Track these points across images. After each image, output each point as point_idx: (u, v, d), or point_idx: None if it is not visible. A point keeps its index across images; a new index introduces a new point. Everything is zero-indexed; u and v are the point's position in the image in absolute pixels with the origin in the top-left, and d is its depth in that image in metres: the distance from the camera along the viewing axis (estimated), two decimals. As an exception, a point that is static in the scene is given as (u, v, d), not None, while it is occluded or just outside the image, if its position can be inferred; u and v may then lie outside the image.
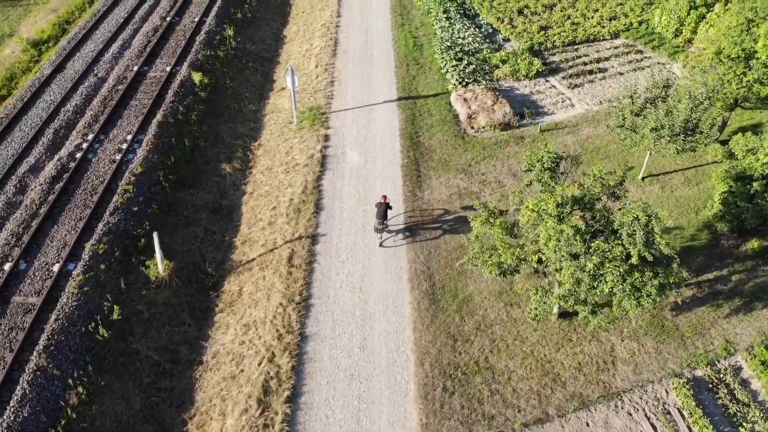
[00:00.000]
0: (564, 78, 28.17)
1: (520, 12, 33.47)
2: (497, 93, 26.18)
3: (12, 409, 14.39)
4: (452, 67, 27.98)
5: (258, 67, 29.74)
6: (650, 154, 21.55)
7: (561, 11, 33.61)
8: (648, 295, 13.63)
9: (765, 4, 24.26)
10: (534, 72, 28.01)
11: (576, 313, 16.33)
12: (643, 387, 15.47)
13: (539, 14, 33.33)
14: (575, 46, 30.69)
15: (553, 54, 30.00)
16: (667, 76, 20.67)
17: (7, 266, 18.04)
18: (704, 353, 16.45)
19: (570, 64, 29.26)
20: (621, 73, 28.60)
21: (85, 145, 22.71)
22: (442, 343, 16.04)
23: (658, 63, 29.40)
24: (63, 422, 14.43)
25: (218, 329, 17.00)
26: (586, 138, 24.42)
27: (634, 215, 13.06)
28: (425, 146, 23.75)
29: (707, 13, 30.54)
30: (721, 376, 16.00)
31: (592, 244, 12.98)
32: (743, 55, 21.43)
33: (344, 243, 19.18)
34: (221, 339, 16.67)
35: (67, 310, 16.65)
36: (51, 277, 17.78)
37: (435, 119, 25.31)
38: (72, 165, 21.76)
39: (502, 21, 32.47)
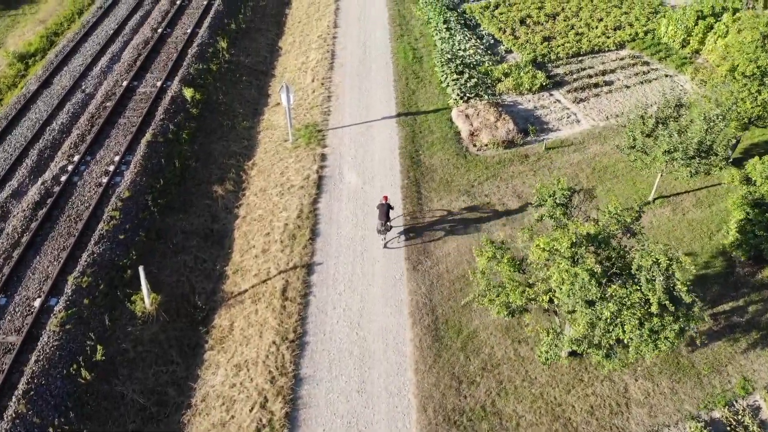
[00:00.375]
0: (569, 92, 27.24)
1: (522, 22, 32.55)
2: (500, 109, 25.24)
3: (-14, 464, 13.43)
4: (453, 80, 27.03)
5: (252, 81, 28.77)
6: (661, 174, 20.63)
7: (564, 21, 32.69)
8: (666, 338, 12.69)
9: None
10: (538, 86, 27.07)
11: (587, 352, 15.40)
12: (659, 432, 14.55)
13: (542, 24, 32.41)
14: (580, 58, 29.77)
15: (557, 66, 29.07)
16: (680, 95, 19.68)
17: (-16, 301, 17.09)
18: (721, 393, 15.54)
19: (575, 76, 28.34)
20: (627, 87, 27.69)
21: (70, 168, 21.72)
22: (446, 386, 15.08)
23: (666, 75, 28.50)
24: (40, 477, 13.47)
25: (208, 369, 16.02)
26: (593, 156, 23.49)
27: (654, 259, 12.11)
28: (426, 166, 22.80)
29: (715, 23, 29.68)
30: (740, 417, 15.08)
31: (609, 289, 12.04)
32: (759, 73, 20.51)
33: (341, 272, 18.22)
34: (211, 380, 15.69)
35: (48, 351, 15.67)
36: (32, 313, 16.80)
37: (436, 137, 24.37)
38: (56, 189, 20.77)
39: (504, 31, 31.53)
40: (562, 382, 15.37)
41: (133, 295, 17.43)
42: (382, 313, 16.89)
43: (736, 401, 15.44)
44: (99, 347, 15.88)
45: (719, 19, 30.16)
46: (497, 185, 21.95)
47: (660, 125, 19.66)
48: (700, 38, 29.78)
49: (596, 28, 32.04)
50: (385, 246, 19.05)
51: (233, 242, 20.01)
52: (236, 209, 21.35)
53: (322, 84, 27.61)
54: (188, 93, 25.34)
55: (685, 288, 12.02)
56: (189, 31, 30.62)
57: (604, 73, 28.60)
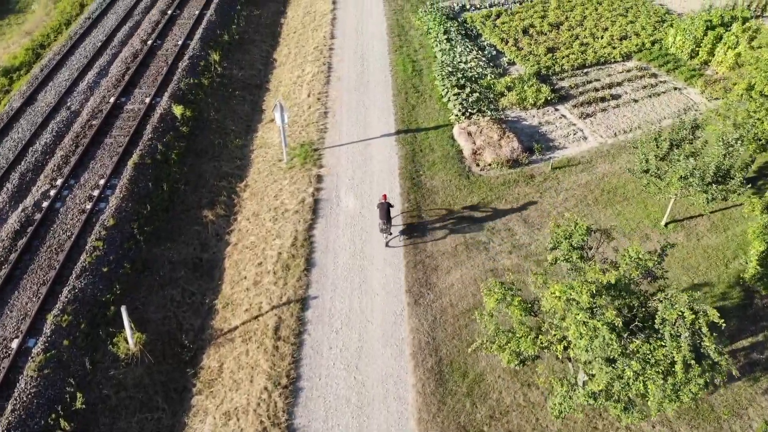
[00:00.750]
0: (575, 106, 26.19)
1: (524, 32, 31.49)
2: (503, 126, 24.18)
3: None
4: (454, 95, 25.97)
5: (246, 96, 27.68)
6: (675, 198, 19.59)
7: (568, 30, 31.66)
8: (690, 391, 11.65)
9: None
10: (542, 100, 26.02)
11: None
12: (681, 488, 13.51)
13: (545, 34, 31.37)
14: (585, 70, 28.74)
15: (562, 79, 28.03)
16: (695, 116, 18.65)
17: (-43, 342, 15.99)
18: (744, 439, 14.52)
19: (580, 90, 27.29)
20: (635, 100, 26.65)
21: (53, 192, 20.62)
22: (451, 437, 14.03)
23: (675, 88, 27.47)
24: None
25: (195, 416, 14.93)
26: (602, 176, 22.44)
27: (679, 312, 11.04)
28: (427, 188, 21.74)
29: (724, 32, 28.68)
30: (765, 466, 14.06)
31: (631, 345, 10.98)
32: (777, 92, 19.53)
33: (338, 308, 17.14)
34: (199, 429, 14.60)
35: (25, 399, 14.58)
36: (9, 355, 15.70)
37: (437, 155, 23.31)
38: (37, 216, 19.66)
39: (506, 42, 30.48)
40: (576, 430, 14.32)
41: (116, 335, 16.34)
42: (381, 355, 15.81)
43: (760, 448, 14.44)
44: (79, 395, 14.78)
45: (728, 29, 29.19)
46: (502, 208, 20.88)
47: (674, 147, 18.64)
48: (709, 49, 28.78)
49: (601, 38, 31.02)
50: (387, 245, 19.05)
51: (223, 272, 18.93)
52: (227, 236, 20.27)
53: (318, 99, 26.53)
54: (178, 110, 24.24)
55: (713, 345, 10.96)
56: (180, 43, 29.52)
57: (610, 85, 27.57)
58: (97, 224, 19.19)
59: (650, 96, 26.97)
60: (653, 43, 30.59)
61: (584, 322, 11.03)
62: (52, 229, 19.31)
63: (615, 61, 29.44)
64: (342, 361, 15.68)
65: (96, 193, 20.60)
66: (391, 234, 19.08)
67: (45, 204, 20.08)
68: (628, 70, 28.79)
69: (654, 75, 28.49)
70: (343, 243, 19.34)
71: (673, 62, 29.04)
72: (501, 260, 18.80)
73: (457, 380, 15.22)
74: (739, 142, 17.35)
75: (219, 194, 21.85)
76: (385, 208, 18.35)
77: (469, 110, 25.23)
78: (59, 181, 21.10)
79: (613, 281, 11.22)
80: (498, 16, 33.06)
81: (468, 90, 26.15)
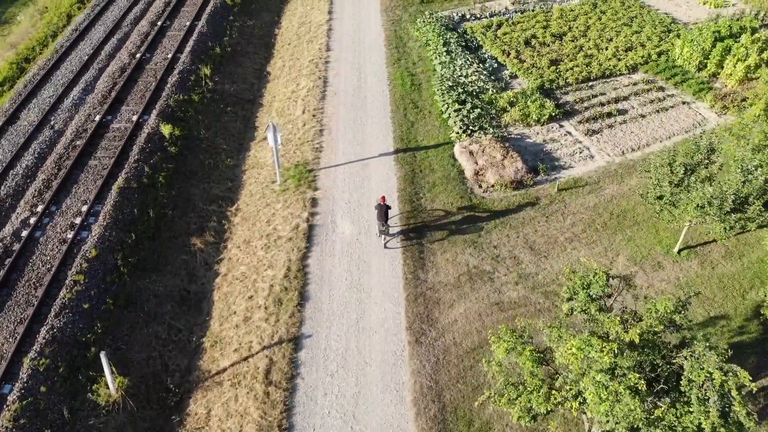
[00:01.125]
0: (580, 122, 25.17)
1: (527, 43, 30.48)
2: (507, 145, 23.15)
3: None
4: (455, 111, 24.93)
5: (238, 112, 26.62)
6: (689, 224, 18.59)
7: (572, 41, 30.65)
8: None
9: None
10: (546, 116, 25.00)
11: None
12: None
13: (548, 45, 30.36)
14: (590, 83, 27.72)
15: (566, 93, 27.01)
16: (710, 139, 17.65)
17: (-76, 389, 14.90)
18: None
19: (585, 105, 26.27)
20: (643, 116, 25.64)
21: (33, 220, 19.54)
22: (456, 496, 12.99)
23: (683, 102, 26.47)
24: None
25: (181, 470, 13.88)
26: (611, 198, 21.42)
27: (707, 373, 10.00)
28: (428, 212, 20.69)
29: (733, 44, 27.70)
30: None
31: (656, 411, 9.94)
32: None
33: (333, 348, 16.08)
34: (184, 485, 13.55)
35: (-6, 453, 13.53)
36: (-21, 403, 14.63)
37: (437, 176, 22.27)
38: (16, 247, 18.58)
39: (508, 54, 29.45)
40: (590, 486, 13.28)
41: (97, 380, 15.26)
42: (380, 401, 14.75)
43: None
44: (53, 449, 13.73)
45: (737, 40, 28.23)
46: (507, 234, 19.86)
47: (689, 172, 17.60)
48: (717, 61, 27.81)
49: (606, 49, 30.02)
50: (385, 246, 19.00)
51: (212, 305, 17.86)
52: (217, 265, 19.20)
53: (314, 116, 25.47)
54: (166, 129, 23.17)
55: (744, 410, 9.93)
56: (170, 56, 28.46)
57: (617, 100, 26.56)
58: (79, 256, 18.10)
59: (658, 111, 25.97)
60: (659, 54, 29.60)
61: (604, 385, 9.99)
62: (31, 261, 18.23)
63: (620, 74, 28.43)
64: (338, 409, 14.61)
65: (78, 220, 19.52)
66: (389, 235, 19.04)
67: (24, 233, 19.00)
68: (635, 83, 27.78)
69: (661, 88, 27.49)
70: (339, 273, 18.27)
71: (681, 75, 28.04)
72: (507, 292, 17.76)
73: (462, 430, 14.17)
74: (759, 169, 16.32)
75: (208, 219, 20.78)
76: (384, 210, 18.38)
77: (471, 127, 24.19)
78: (40, 208, 20.02)
79: (637, 340, 10.18)
80: (499, 26, 32.05)
81: (469, 106, 25.12)
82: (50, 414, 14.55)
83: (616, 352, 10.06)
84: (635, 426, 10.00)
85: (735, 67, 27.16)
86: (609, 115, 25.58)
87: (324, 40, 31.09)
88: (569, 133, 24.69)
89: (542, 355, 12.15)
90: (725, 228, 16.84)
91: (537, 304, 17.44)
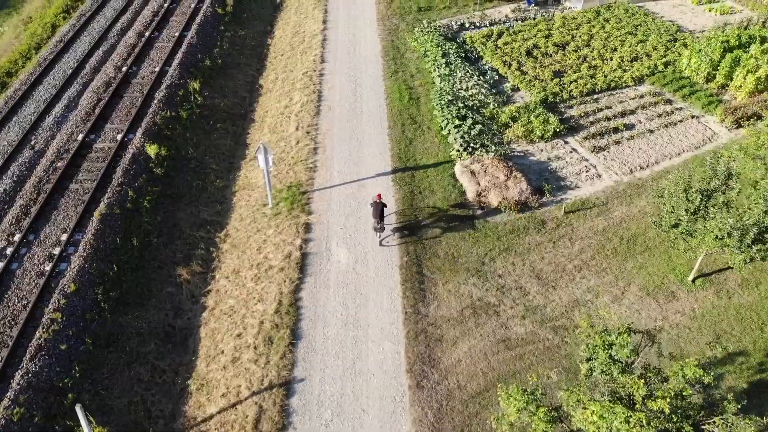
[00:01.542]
0: (586, 138, 24.11)
1: (528, 53, 29.43)
2: (510, 164, 22.06)
3: None
4: (455, 127, 23.86)
5: (229, 128, 25.47)
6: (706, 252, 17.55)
7: (575, 51, 29.61)
8: None
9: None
10: (551, 132, 23.93)
11: None
12: None
13: (550, 56, 29.30)
14: (595, 96, 26.67)
15: (571, 107, 25.95)
16: (728, 164, 16.60)
17: None
18: None
19: (591, 119, 25.23)
20: (651, 131, 24.62)
21: (9, 251, 18.36)
22: None
23: (692, 116, 25.45)
24: None
25: None
26: (620, 221, 20.36)
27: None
28: (428, 237, 19.59)
29: (743, 54, 26.69)
30: None
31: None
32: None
33: (328, 393, 14.95)
34: None
35: None
36: (-57, 459, 13.49)
37: (438, 198, 21.17)
38: (-11, 280, 17.43)
39: (509, 66, 28.38)
40: None
41: (75, 430, 14.11)
42: (379, 455, 13.66)
43: None
44: None
45: (747, 50, 27.23)
46: (512, 262, 18.78)
47: (706, 198, 16.54)
48: (726, 72, 26.80)
49: (611, 59, 28.99)
50: (380, 244, 19.08)
51: (199, 343, 16.72)
52: (204, 297, 18.05)
53: (308, 133, 24.35)
54: (152, 150, 22.01)
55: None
56: (157, 69, 27.29)
57: (623, 114, 25.52)
58: (57, 291, 16.92)
59: (666, 125, 24.95)
60: (666, 65, 28.59)
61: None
62: (7, 296, 17.06)
63: (626, 86, 27.40)
64: (333, 464, 13.52)
65: (57, 251, 18.36)
66: (384, 230, 19.00)
67: (0, 265, 17.86)
68: (641, 96, 26.76)
69: (669, 101, 26.46)
70: (334, 308, 17.15)
71: (689, 87, 27.04)
72: (513, 327, 16.67)
73: (467, 487, 13.09)
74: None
75: (196, 246, 19.64)
76: (380, 208, 18.42)
77: (472, 145, 23.11)
78: (17, 237, 18.85)
79: (667, 410, 9.09)
80: (499, 35, 30.99)
81: (470, 121, 24.04)
82: (21, 471, 13.43)
83: (643, 423, 8.98)
84: None
85: (745, 79, 26.16)
86: (615, 130, 24.55)
87: (318, 51, 29.94)
88: (575, 150, 23.63)
89: (557, 414, 11.07)
90: (745, 260, 15.79)
91: (546, 341, 16.37)
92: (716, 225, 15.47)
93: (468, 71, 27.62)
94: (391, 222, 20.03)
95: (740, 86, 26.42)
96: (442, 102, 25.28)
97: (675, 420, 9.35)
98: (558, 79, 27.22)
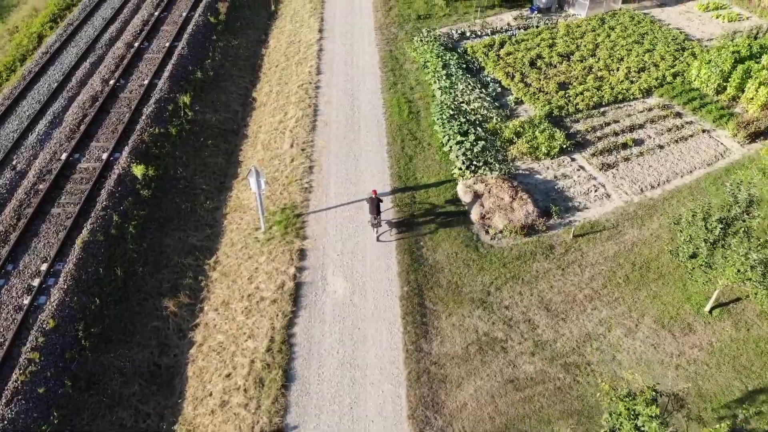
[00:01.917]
0: (593, 155, 23.08)
1: (532, 64, 28.39)
2: (515, 184, 21.02)
3: None
4: (456, 143, 22.81)
5: (220, 145, 24.40)
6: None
7: (580, 61, 28.58)
8: None
9: None
10: (557, 149, 22.90)
11: None
12: None
13: (555, 66, 28.27)
14: (602, 109, 25.64)
15: (577, 121, 24.92)
16: (749, 191, 15.58)
17: None
18: None
19: (598, 134, 24.20)
20: (661, 147, 23.59)
21: (-16, 282, 17.31)
22: None
23: (703, 130, 24.43)
24: None
25: None
26: (632, 246, 19.34)
27: None
28: (429, 264, 18.55)
29: (755, 66, 25.69)
30: None
31: None
32: None
33: (325, 441, 13.92)
34: None
35: None
36: None
37: (440, 221, 20.12)
38: (-38, 316, 16.35)
39: (512, 77, 27.34)
40: None
41: (46, 486, 13.08)
42: None
43: None
44: None
45: (758, 60, 26.24)
46: (519, 291, 17.75)
47: (726, 226, 15.53)
48: (737, 84, 25.79)
49: (617, 70, 27.96)
50: (377, 239, 19.22)
51: (186, 383, 15.67)
52: (192, 332, 16.99)
53: (303, 150, 23.28)
54: (139, 170, 20.94)
55: None
56: (146, 82, 26.22)
57: (632, 128, 24.50)
58: (35, 327, 15.86)
59: (677, 141, 23.93)
60: (675, 75, 27.57)
61: None
62: (-21, 333, 15.99)
63: (634, 98, 26.38)
64: None
65: (36, 282, 17.29)
66: (380, 225, 19.12)
67: (-27, 299, 16.77)
68: (650, 109, 25.73)
69: (678, 114, 25.45)
70: (330, 345, 16.09)
71: (699, 99, 26.02)
72: (522, 365, 15.63)
73: None
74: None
75: (184, 275, 18.57)
76: (375, 203, 18.52)
77: (475, 162, 22.07)
78: (-7, 267, 17.78)
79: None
80: (502, 45, 29.94)
81: (472, 137, 22.99)
82: None
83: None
84: None
85: (757, 91, 25.16)
86: (624, 146, 23.52)
87: (314, 62, 28.87)
88: (582, 167, 22.60)
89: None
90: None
91: (557, 380, 15.33)
92: (738, 259, 14.46)
93: (470, 83, 26.57)
94: (391, 242, 19.00)
95: (752, 99, 25.42)
96: (443, 116, 24.24)
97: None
98: (563, 92, 26.19)
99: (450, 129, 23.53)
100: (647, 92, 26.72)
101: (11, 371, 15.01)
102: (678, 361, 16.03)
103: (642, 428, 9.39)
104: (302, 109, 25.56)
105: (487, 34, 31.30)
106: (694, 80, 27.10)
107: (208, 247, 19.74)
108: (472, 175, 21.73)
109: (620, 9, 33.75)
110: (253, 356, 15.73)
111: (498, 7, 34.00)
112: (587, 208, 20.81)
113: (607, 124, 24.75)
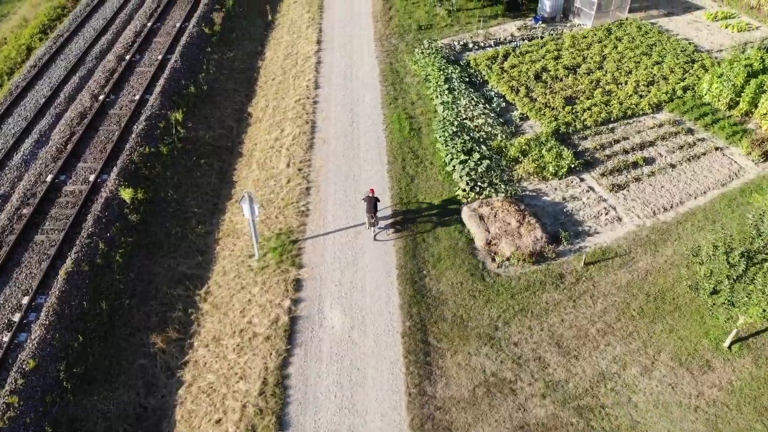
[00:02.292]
0: (603, 175, 22.11)
1: (537, 77, 27.44)
2: (522, 207, 20.07)
3: None
4: (460, 163, 21.85)
5: (214, 163, 23.42)
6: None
7: (587, 74, 27.63)
8: None
9: None
10: (565, 169, 21.94)
11: None
12: None
13: (560, 79, 27.31)
14: (610, 125, 24.69)
15: (585, 138, 23.96)
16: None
17: None
18: None
19: (607, 152, 23.24)
20: (673, 165, 22.65)
21: (-40, 317, 16.31)
22: None
23: (716, 148, 23.49)
24: None
25: None
26: (645, 274, 18.36)
27: None
28: (433, 295, 17.57)
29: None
30: None
31: None
32: None
33: (322, 498, 12.93)
34: None
35: None
36: None
37: (443, 246, 19.15)
38: (-65, 356, 15.35)
39: (517, 91, 26.38)
40: None
41: None
42: None
43: None
44: None
45: (771, 74, 25.32)
46: (529, 325, 16.76)
47: (748, 260, 14.57)
48: (750, 99, 24.85)
49: (626, 83, 27.01)
50: (374, 239, 19.24)
51: (174, 428, 14.66)
52: (180, 370, 15.98)
53: (300, 170, 22.30)
54: (127, 194, 19.96)
55: None
56: (137, 97, 25.24)
57: (642, 146, 23.54)
58: (14, 369, 14.86)
59: (689, 159, 22.97)
60: (685, 89, 26.62)
61: None
62: (-47, 375, 15.00)
63: (644, 114, 25.43)
64: None
65: (17, 317, 16.29)
66: (377, 225, 19.20)
67: (-52, 336, 15.77)
68: (660, 125, 24.77)
69: (690, 131, 24.49)
70: (327, 388, 15.08)
71: (711, 114, 25.08)
72: (533, 409, 14.64)
73: None
74: None
75: (173, 307, 17.57)
76: (373, 202, 18.51)
77: (479, 183, 21.11)
78: (-29, 300, 16.79)
79: None
80: (506, 57, 28.98)
81: (477, 156, 22.02)
82: None
83: None
84: None
85: (774, 108, 24.22)
86: (635, 165, 22.56)
87: (312, 75, 27.90)
88: (591, 188, 21.63)
89: None
90: (798, 335, 13.84)
91: (569, 426, 14.35)
92: (764, 298, 13.49)
93: (473, 98, 25.60)
94: (392, 276, 18.02)
95: (766, 114, 24.47)
96: (446, 134, 23.27)
97: None
98: (570, 107, 25.22)
99: (453, 147, 22.56)
100: (657, 107, 25.76)
101: (-14, 418, 14.02)
102: (697, 402, 15.06)
103: None
104: (299, 125, 24.59)
105: (490, 46, 30.35)
106: (705, 94, 26.16)
107: (199, 276, 18.75)
108: (476, 196, 20.77)
109: (627, 18, 32.81)
110: (245, 400, 14.73)
111: (501, 17, 33.07)
112: (598, 233, 19.83)
113: (617, 141, 23.80)
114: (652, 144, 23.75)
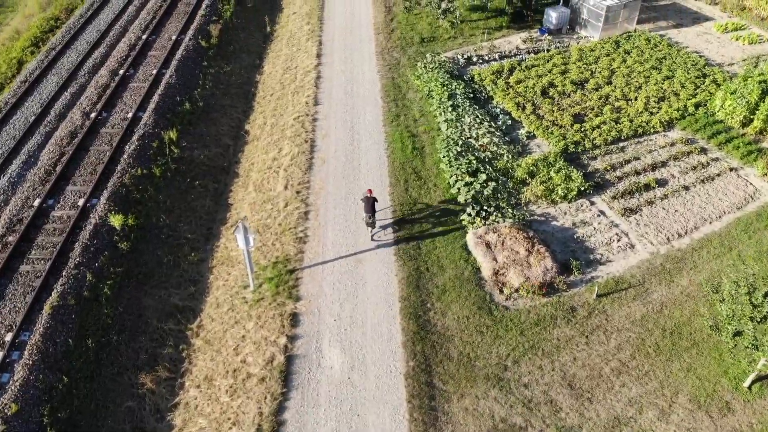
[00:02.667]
0: (614, 198, 21.24)
1: (544, 93, 26.57)
2: (531, 234, 19.18)
3: None
4: (465, 185, 20.97)
5: (208, 185, 22.54)
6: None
7: (595, 90, 26.77)
8: None
9: None
10: (575, 191, 21.06)
11: None
12: None
13: (568, 95, 26.43)
14: (621, 144, 23.81)
15: (594, 158, 23.09)
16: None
17: None
18: None
19: (618, 173, 22.35)
20: (686, 188, 21.78)
21: (-62, 356, 15.41)
22: None
23: (730, 168, 22.61)
24: None
25: None
26: (660, 306, 17.46)
27: None
28: (438, 331, 16.66)
29: (784, 96, 23.90)
30: None
31: None
32: None
33: None
34: None
35: None
36: None
37: (448, 276, 18.27)
38: None
39: (523, 108, 25.51)
40: None
41: None
42: None
43: None
44: None
45: (786, 89, 24.42)
46: (539, 364, 15.85)
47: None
48: (765, 116, 23.97)
49: (636, 99, 26.14)
50: (372, 238, 19.37)
51: (164, 479, 13.79)
52: (171, 413, 15.07)
53: (298, 193, 21.42)
54: (117, 221, 19.08)
55: None
56: (130, 116, 24.37)
57: (654, 167, 22.66)
58: (-9, 414, 13.98)
59: (703, 181, 22.10)
60: (697, 106, 25.75)
61: None
62: (-73, 422, 14.10)
63: (655, 132, 24.55)
64: None
65: (0, 356, 15.42)
66: (375, 225, 19.17)
67: (-75, 377, 14.89)
68: (672, 144, 23.89)
69: (703, 150, 23.61)
70: (327, 434, 14.20)
71: (724, 133, 24.21)
72: (545, 462, 13.74)
73: None
74: None
75: (163, 343, 16.67)
76: (371, 203, 18.51)
77: (485, 208, 20.23)
78: (-50, 337, 15.90)
79: None
80: (511, 71, 28.12)
81: (482, 178, 21.14)
82: None
83: None
84: None
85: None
86: (647, 187, 21.69)
87: (312, 91, 27.02)
88: (602, 212, 20.74)
89: None
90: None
91: (584, 479, 13.45)
92: (795, 344, 12.60)
93: (478, 115, 24.73)
94: (394, 310, 17.14)
95: (782, 132, 23.63)
96: (450, 154, 22.39)
97: None
98: (579, 125, 24.34)
99: (458, 168, 21.69)
100: (668, 124, 24.89)
101: (-38, 470, 13.14)
102: (719, 450, 14.16)
103: None
104: (298, 144, 23.71)
105: (495, 59, 29.48)
106: (718, 111, 25.28)
107: (192, 308, 17.85)
108: (482, 222, 19.88)
109: (635, 30, 31.94)
110: (239, 449, 13.84)
111: (506, 29, 32.21)
112: (610, 261, 18.94)
113: (627, 161, 22.92)
114: (664, 164, 22.87)
